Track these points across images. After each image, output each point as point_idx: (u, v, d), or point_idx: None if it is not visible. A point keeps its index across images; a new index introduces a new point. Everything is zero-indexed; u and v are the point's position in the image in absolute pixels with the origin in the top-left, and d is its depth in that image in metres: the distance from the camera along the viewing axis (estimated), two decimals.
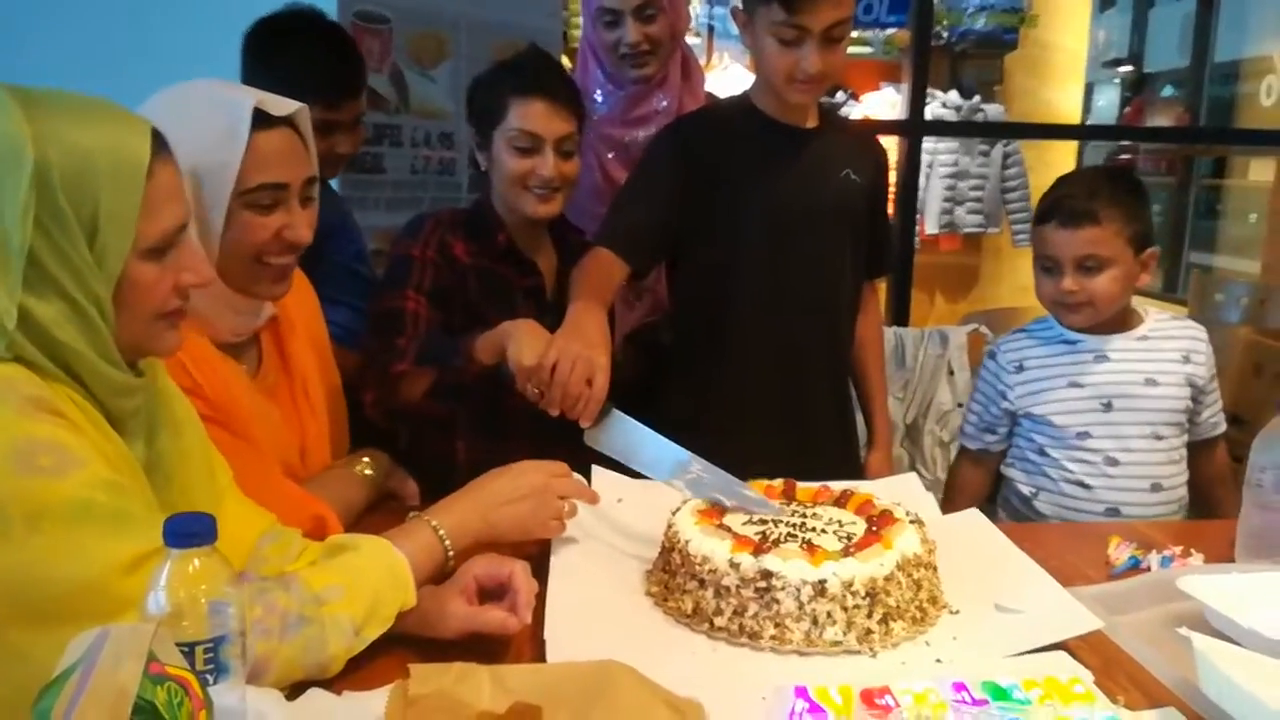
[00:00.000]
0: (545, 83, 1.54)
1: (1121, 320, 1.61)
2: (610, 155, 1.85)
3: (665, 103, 1.85)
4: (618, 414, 1.27)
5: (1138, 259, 1.57)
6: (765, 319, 1.61)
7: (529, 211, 1.56)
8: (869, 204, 1.68)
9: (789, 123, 1.60)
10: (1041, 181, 4.66)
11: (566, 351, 1.26)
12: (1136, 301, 1.67)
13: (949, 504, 1.72)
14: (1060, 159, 4.85)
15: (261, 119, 1.11)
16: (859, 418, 1.82)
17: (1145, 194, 1.63)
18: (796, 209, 1.59)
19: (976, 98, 4.50)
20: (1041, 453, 1.63)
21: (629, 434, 1.26)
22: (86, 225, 0.82)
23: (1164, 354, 1.60)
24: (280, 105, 1.14)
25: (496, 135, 1.55)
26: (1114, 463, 1.58)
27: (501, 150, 1.55)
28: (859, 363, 1.79)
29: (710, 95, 1.99)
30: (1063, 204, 1.56)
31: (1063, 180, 1.63)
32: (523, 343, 1.30)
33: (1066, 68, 4.82)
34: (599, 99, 1.92)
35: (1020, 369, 1.64)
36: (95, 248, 0.82)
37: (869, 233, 1.69)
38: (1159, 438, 1.59)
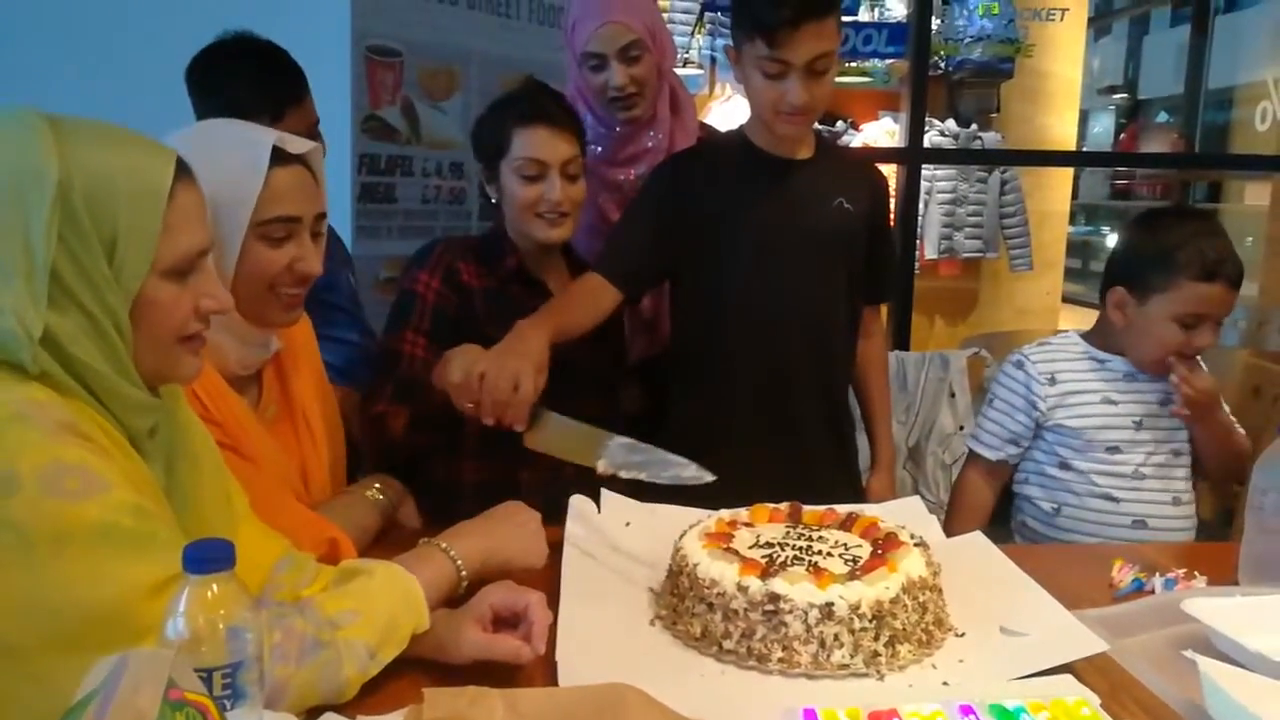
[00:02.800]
0: (545, 109, 1.59)
1: None
2: (605, 195, 1.86)
3: (655, 140, 1.85)
4: (549, 414, 1.32)
5: None
6: (755, 344, 1.63)
7: (541, 237, 1.60)
8: (867, 231, 1.69)
9: (780, 154, 1.62)
10: (1038, 206, 4.70)
11: (493, 363, 1.32)
12: None
13: (954, 516, 1.72)
14: (1056, 185, 4.88)
15: (279, 156, 1.15)
16: (862, 441, 1.83)
17: None
18: (784, 238, 1.61)
19: (974, 126, 4.53)
20: (1064, 466, 1.64)
21: (564, 430, 1.30)
22: (106, 242, 0.84)
23: None
24: (296, 144, 1.19)
25: (503, 166, 1.59)
26: (1142, 476, 1.61)
27: (509, 180, 1.59)
28: (862, 385, 1.81)
29: (705, 126, 2.00)
30: (1224, 266, 1.54)
31: (1194, 235, 1.57)
32: (452, 362, 1.34)
33: (1062, 95, 4.85)
34: (590, 141, 1.91)
35: (1053, 381, 1.65)
36: (114, 264, 0.84)
37: (868, 259, 1.70)
38: (1178, 454, 1.64)
